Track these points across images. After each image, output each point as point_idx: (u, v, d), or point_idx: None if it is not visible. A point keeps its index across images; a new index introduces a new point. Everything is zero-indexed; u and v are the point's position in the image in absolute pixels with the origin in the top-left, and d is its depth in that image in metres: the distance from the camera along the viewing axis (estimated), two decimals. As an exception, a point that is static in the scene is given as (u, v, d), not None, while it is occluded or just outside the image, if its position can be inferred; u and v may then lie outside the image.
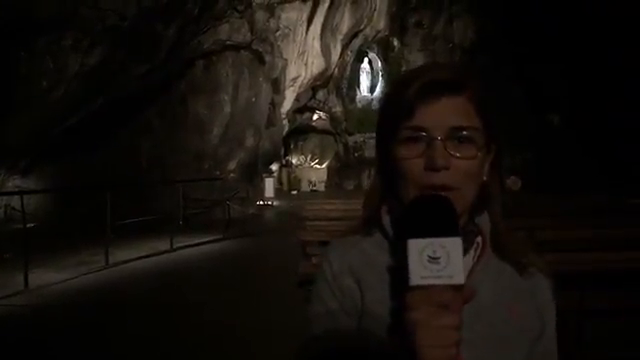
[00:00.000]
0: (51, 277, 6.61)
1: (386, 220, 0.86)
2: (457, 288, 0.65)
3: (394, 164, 0.81)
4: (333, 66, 20.18)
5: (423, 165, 0.77)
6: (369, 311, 0.80)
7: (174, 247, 8.68)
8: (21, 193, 7.49)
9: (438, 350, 0.62)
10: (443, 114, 0.78)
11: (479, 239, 0.83)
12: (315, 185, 21.96)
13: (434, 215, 0.68)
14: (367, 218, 0.90)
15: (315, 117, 22.96)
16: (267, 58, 14.67)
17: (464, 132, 0.78)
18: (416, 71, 0.84)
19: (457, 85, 0.80)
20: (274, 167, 18.68)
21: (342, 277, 0.84)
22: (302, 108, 21.48)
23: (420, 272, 0.65)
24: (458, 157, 0.77)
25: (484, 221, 0.84)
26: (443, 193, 0.74)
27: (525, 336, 0.81)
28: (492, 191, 0.85)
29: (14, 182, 10.57)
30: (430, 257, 0.65)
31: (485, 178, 0.83)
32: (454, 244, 0.65)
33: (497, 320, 0.79)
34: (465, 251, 0.77)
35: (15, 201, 8.93)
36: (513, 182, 16.27)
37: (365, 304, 0.81)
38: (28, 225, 6.60)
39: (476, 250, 0.83)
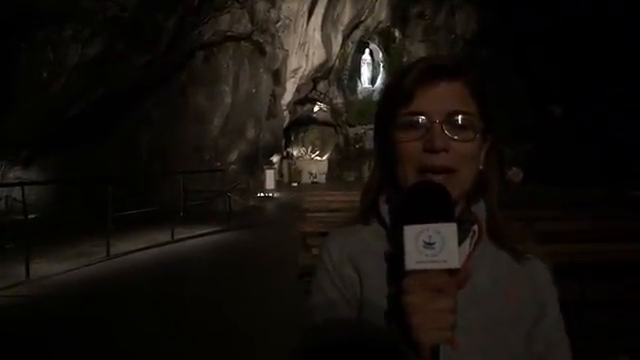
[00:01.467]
0: (52, 268, 6.64)
1: (384, 209, 0.87)
2: (452, 272, 0.66)
3: (393, 148, 0.83)
4: (334, 57, 20.11)
5: (421, 147, 0.78)
6: (368, 299, 0.81)
7: (175, 238, 8.70)
8: (22, 184, 7.48)
9: (434, 333, 0.64)
10: (441, 99, 0.80)
11: (475, 227, 0.84)
12: (316, 177, 21.96)
13: (430, 201, 0.70)
14: (366, 208, 0.91)
15: (316, 109, 22.90)
16: (268, 49, 14.61)
17: (461, 116, 0.80)
18: (414, 62, 0.86)
19: (454, 71, 0.82)
20: (275, 159, 18.65)
21: (342, 266, 0.85)
22: (303, 99, 21.44)
23: (415, 257, 0.66)
24: (456, 140, 0.78)
25: (480, 209, 0.86)
26: (441, 176, 0.77)
27: (523, 320, 0.82)
28: (489, 180, 0.87)
29: (15, 173, 10.57)
30: (425, 242, 0.66)
31: (482, 167, 0.84)
32: (449, 230, 0.67)
33: (494, 306, 0.81)
34: (462, 239, 0.79)
35: (16, 192, 8.93)
36: (515, 174, 16.22)
37: (365, 292, 0.82)
38: (29, 216, 6.61)
39: (472, 238, 0.84)
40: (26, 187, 7.12)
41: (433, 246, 0.66)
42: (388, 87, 0.88)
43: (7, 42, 7.80)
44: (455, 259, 0.66)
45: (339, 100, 22.62)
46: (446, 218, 0.68)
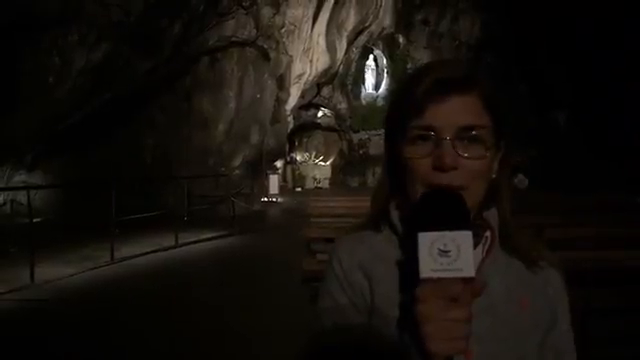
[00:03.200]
0: (57, 272, 6.64)
1: (395, 215, 0.86)
2: (467, 281, 0.65)
3: (402, 162, 0.81)
4: (338, 63, 20.14)
5: (431, 164, 0.76)
6: (379, 306, 0.80)
7: (179, 243, 8.70)
8: (27, 188, 7.53)
9: (447, 343, 0.63)
10: (452, 113, 0.77)
11: (488, 234, 0.83)
12: (319, 182, 21.94)
13: (445, 209, 0.68)
14: (375, 214, 0.90)
15: (320, 114, 22.93)
16: (272, 55, 14.66)
17: (473, 132, 0.77)
18: (425, 69, 0.83)
19: (466, 83, 0.79)
20: (279, 164, 18.67)
21: (352, 273, 0.84)
22: (307, 105, 21.48)
23: (430, 265, 0.65)
24: (466, 157, 0.76)
25: (492, 216, 0.84)
26: None
27: (536, 329, 0.81)
28: (501, 187, 0.85)
29: (20, 177, 10.62)
30: (440, 250, 0.65)
31: (494, 175, 0.83)
32: (464, 237, 0.65)
33: (507, 314, 0.80)
34: (474, 246, 0.76)
35: (21, 196, 8.98)
36: (520, 181, 16.20)
37: (375, 299, 0.81)
38: (34, 220, 6.63)
39: (484, 245, 0.83)
40: (31, 191, 7.14)
41: (448, 254, 0.64)
42: (397, 96, 0.85)
43: (13, 46, 7.84)
44: (471, 268, 0.64)
45: (343, 105, 22.64)
46: (461, 225, 0.66)
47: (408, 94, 0.81)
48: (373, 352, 0.78)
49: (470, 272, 0.65)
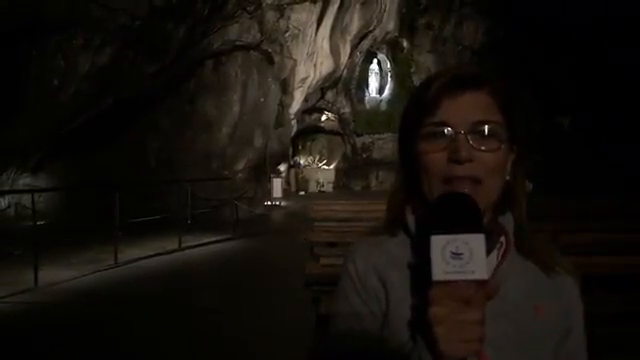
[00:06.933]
0: (60, 275, 6.66)
1: (410, 220, 0.86)
2: (480, 284, 0.65)
3: (417, 159, 0.82)
4: (342, 67, 20.15)
5: (446, 158, 0.78)
6: (394, 310, 0.81)
7: (182, 246, 8.71)
8: (31, 191, 7.53)
9: (460, 345, 0.63)
10: (466, 109, 0.79)
11: (503, 238, 0.83)
12: (323, 186, 21.94)
13: (457, 212, 0.69)
14: (391, 218, 0.90)
15: (323, 118, 22.95)
16: (276, 58, 14.67)
17: (486, 126, 0.79)
18: (437, 72, 0.86)
19: (479, 81, 0.81)
20: (282, 167, 18.67)
21: (367, 277, 0.85)
22: (311, 109, 21.49)
23: (443, 267, 0.66)
24: (482, 150, 0.78)
25: (508, 220, 0.85)
26: (467, 187, 0.76)
27: (552, 335, 0.81)
28: (515, 191, 0.86)
29: (24, 180, 10.65)
30: (453, 253, 0.66)
31: (508, 178, 0.83)
32: (477, 240, 0.66)
33: (523, 319, 0.80)
34: (489, 250, 0.78)
35: (25, 199, 8.99)
36: (523, 185, 16.15)
37: (390, 303, 0.81)
38: (38, 223, 6.65)
39: (500, 249, 0.83)
40: (35, 194, 7.15)
41: (461, 257, 0.65)
42: (412, 98, 0.87)
43: (18, 49, 7.87)
44: (483, 270, 0.65)
45: (347, 109, 22.66)
46: (474, 229, 0.67)
47: (422, 94, 0.83)
48: (387, 356, 0.78)
49: (482, 274, 0.65)
